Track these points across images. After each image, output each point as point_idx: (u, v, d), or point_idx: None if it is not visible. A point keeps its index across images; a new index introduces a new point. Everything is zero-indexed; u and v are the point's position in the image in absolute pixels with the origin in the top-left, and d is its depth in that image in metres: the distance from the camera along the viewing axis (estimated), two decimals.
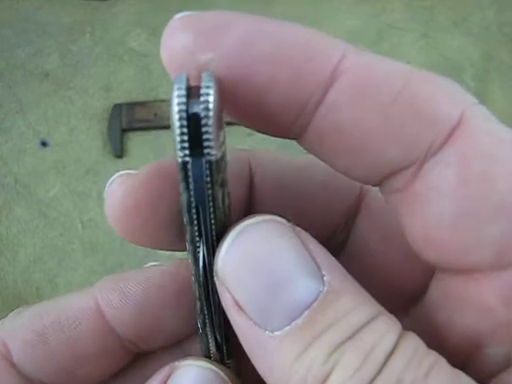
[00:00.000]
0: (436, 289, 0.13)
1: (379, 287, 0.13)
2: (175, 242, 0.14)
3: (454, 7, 0.67)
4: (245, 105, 0.12)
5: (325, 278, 0.12)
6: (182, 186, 0.12)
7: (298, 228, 0.12)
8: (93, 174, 0.59)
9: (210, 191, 0.12)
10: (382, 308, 0.12)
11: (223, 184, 0.12)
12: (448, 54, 0.65)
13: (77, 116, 0.61)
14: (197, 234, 0.12)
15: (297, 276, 0.12)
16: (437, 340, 0.13)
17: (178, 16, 0.12)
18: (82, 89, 0.62)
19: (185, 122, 0.11)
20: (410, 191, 0.12)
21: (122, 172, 0.13)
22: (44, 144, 0.60)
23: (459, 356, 0.13)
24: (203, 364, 0.14)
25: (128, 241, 0.14)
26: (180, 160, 0.11)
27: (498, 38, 0.66)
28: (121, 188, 0.13)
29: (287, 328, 0.11)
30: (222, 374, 0.14)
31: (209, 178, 0.11)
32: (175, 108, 0.11)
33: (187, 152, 0.11)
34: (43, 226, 0.57)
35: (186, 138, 0.11)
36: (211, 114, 0.11)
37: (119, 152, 0.59)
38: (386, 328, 0.11)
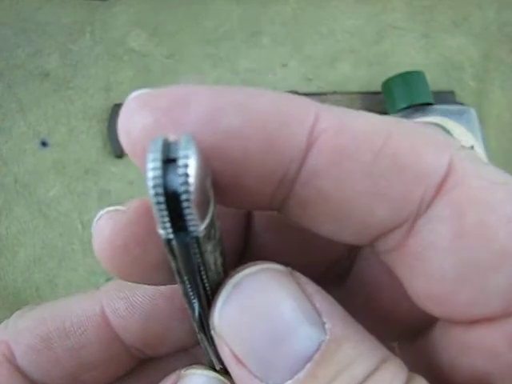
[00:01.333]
0: (440, 330, 0.13)
1: (382, 319, 0.13)
2: (168, 280, 0.13)
3: (454, 7, 0.67)
4: (220, 182, 0.11)
5: (326, 326, 0.11)
6: (169, 257, 0.11)
7: (297, 273, 0.12)
8: (93, 173, 0.59)
9: (199, 260, 0.11)
10: (388, 352, 0.11)
11: (215, 248, 0.11)
12: (448, 54, 0.65)
13: (77, 116, 0.61)
14: (190, 291, 0.12)
15: (297, 326, 0.11)
16: (443, 377, 0.12)
17: (133, 95, 0.11)
18: (81, 89, 0.62)
19: (162, 199, 0.09)
20: (404, 250, 0.12)
21: (109, 208, 0.13)
22: (44, 144, 0.60)
23: None
24: (210, 374, 0.14)
25: (118, 278, 0.13)
26: (163, 238, 0.10)
27: (498, 37, 0.66)
28: (108, 225, 0.12)
29: (289, 382, 0.11)
30: (224, 380, 0.14)
31: (197, 250, 0.11)
32: (150, 183, 0.09)
33: (169, 230, 0.10)
34: (43, 226, 0.57)
35: (165, 216, 0.10)
36: (191, 189, 0.09)
37: (119, 152, 0.59)
38: (392, 376, 0.11)
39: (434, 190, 0.11)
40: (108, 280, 0.55)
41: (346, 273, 0.15)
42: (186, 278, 0.11)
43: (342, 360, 0.11)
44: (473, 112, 0.55)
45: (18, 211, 0.57)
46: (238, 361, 0.12)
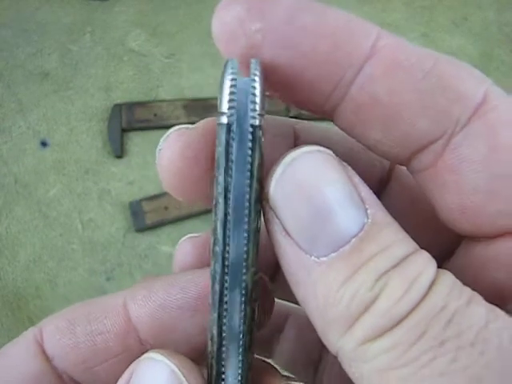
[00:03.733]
0: (464, 251, 0.14)
1: None
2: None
3: (454, 7, 0.67)
4: (285, 76, 0.13)
5: (368, 211, 0.12)
6: (220, 150, 0.12)
7: (344, 163, 0.13)
8: (93, 173, 0.59)
9: (250, 155, 0.13)
10: (418, 247, 0.13)
11: (258, 170, 0.13)
12: (448, 54, 0.65)
13: (77, 116, 0.61)
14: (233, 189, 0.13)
15: (343, 206, 0.12)
16: None
17: None
18: (81, 89, 0.62)
19: (234, 90, 0.12)
20: (440, 165, 0.13)
21: (178, 127, 0.14)
22: (44, 144, 0.60)
23: None
24: (166, 360, 0.14)
25: (178, 196, 0.14)
26: (225, 122, 0.12)
27: (498, 37, 0.66)
28: (180, 140, 0.14)
29: (334, 254, 0.12)
30: (178, 370, 0.14)
31: (250, 143, 0.12)
32: (228, 77, 0.12)
33: (233, 116, 0.12)
34: (43, 225, 0.57)
35: (231, 100, 0.12)
36: (258, 80, 0.12)
37: (119, 152, 0.59)
38: (427, 261, 0.12)
39: (472, 111, 0.12)
40: (108, 280, 0.55)
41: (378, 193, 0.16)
42: (234, 173, 0.13)
43: (383, 241, 0.12)
44: None
45: (18, 211, 0.57)
46: (287, 233, 0.12)
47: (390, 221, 0.13)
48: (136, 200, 0.57)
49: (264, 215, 0.13)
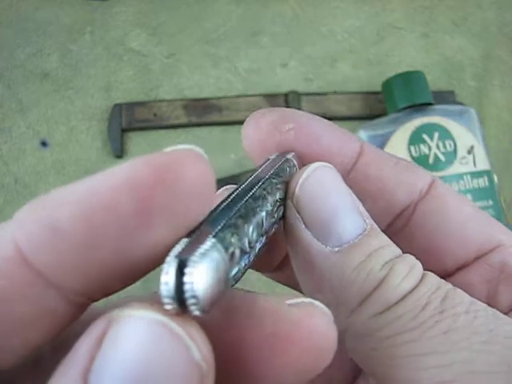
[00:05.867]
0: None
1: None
2: None
3: (454, 7, 0.67)
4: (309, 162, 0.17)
5: (366, 221, 0.16)
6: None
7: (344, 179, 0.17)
8: (93, 173, 0.58)
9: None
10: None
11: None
12: (448, 54, 0.65)
13: (77, 116, 0.61)
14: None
15: (350, 211, 0.16)
16: None
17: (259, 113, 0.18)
18: (82, 89, 0.62)
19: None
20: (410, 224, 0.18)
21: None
22: (44, 144, 0.60)
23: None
24: (151, 315, 0.10)
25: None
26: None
27: (498, 37, 0.66)
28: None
29: (346, 245, 0.15)
30: (176, 327, 0.10)
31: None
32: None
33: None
34: None
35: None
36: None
37: (119, 152, 0.59)
38: (414, 260, 0.15)
39: (425, 190, 0.18)
40: None
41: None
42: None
43: (381, 242, 0.15)
44: (473, 112, 0.55)
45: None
46: (306, 226, 0.15)
47: (380, 231, 0.16)
48: None
49: (286, 211, 0.16)
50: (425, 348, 0.14)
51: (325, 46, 0.65)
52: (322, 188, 0.16)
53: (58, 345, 0.12)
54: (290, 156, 0.17)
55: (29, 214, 0.12)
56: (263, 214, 0.14)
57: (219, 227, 0.12)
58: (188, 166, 0.11)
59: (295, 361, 0.11)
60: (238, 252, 0.12)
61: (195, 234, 0.11)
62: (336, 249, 0.15)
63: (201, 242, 0.11)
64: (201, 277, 0.10)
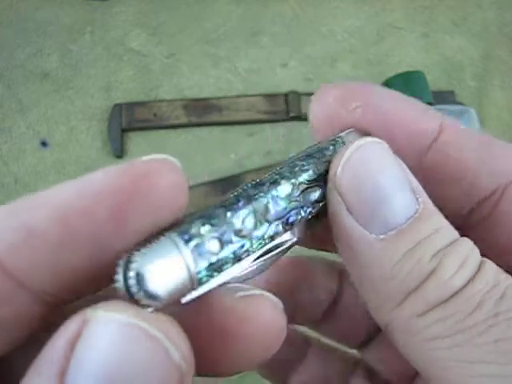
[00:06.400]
0: None
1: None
2: None
3: (454, 7, 0.67)
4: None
5: (419, 200, 0.14)
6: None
7: (398, 157, 0.15)
8: None
9: None
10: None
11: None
12: (448, 54, 0.65)
13: (77, 116, 0.61)
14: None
15: (400, 192, 0.14)
16: None
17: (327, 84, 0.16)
18: (82, 89, 0.62)
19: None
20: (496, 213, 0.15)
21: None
22: (44, 144, 0.60)
23: None
24: (124, 317, 0.10)
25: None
26: None
27: (497, 37, 0.66)
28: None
29: (392, 232, 0.13)
30: (151, 328, 0.10)
31: None
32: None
33: None
34: None
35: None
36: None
37: (119, 152, 0.59)
38: (472, 245, 0.14)
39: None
40: None
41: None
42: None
43: (436, 223, 0.14)
44: (473, 112, 0.55)
45: None
46: (349, 212, 0.14)
47: (436, 210, 0.14)
48: None
49: (328, 195, 0.15)
50: (472, 355, 0.12)
51: (325, 45, 0.65)
52: (366, 167, 0.14)
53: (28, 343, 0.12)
54: (343, 134, 0.15)
55: (2, 216, 0.11)
56: (265, 200, 0.13)
57: (187, 221, 0.12)
58: (162, 175, 0.11)
59: (244, 352, 0.12)
60: (213, 242, 0.12)
61: (157, 234, 0.11)
62: (381, 236, 0.13)
63: (156, 239, 0.11)
64: (144, 270, 0.10)
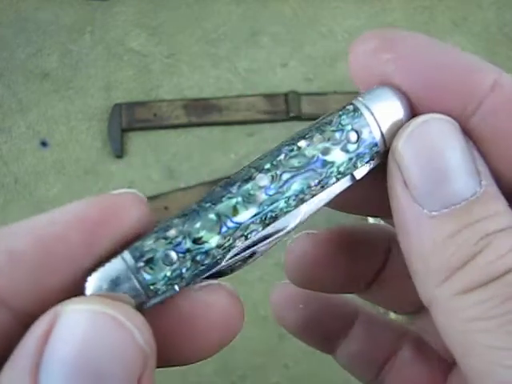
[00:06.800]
0: None
1: None
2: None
3: (454, 7, 0.67)
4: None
5: (482, 182, 0.13)
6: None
7: (467, 137, 0.14)
8: (93, 174, 0.59)
9: None
10: None
11: None
12: None
13: (77, 116, 0.61)
14: None
15: (461, 172, 0.13)
16: None
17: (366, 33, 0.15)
18: (82, 89, 0.62)
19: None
20: None
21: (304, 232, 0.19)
22: (44, 144, 0.60)
23: None
24: (95, 307, 0.11)
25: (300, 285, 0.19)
26: None
27: (498, 38, 0.66)
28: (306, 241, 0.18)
29: (445, 210, 0.13)
30: (118, 315, 0.11)
31: None
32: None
33: None
34: None
35: None
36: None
37: (119, 152, 0.59)
38: None
39: None
40: None
41: None
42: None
43: (492, 208, 0.13)
44: None
45: (18, 211, 0.57)
46: (406, 185, 0.14)
47: (500, 195, 0.14)
48: None
49: (388, 166, 0.14)
50: (500, 342, 0.12)
51: (325, 45, 0.65)
52: (432, 144, 0.14)
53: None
54: (355, 101, 0.14)
55: None
56: (233, 200, 0.13)
57: (142, 237, 0.13)
58: (128, 208, 0.13)
59: (207, 336, 0.14)
60: (169, 254, 0.13)
61: (115, 253, 0.13)
62: (434, 213, 0.13)
63: (114, 257, 0.13)
64: (90, 286, 0.12)
